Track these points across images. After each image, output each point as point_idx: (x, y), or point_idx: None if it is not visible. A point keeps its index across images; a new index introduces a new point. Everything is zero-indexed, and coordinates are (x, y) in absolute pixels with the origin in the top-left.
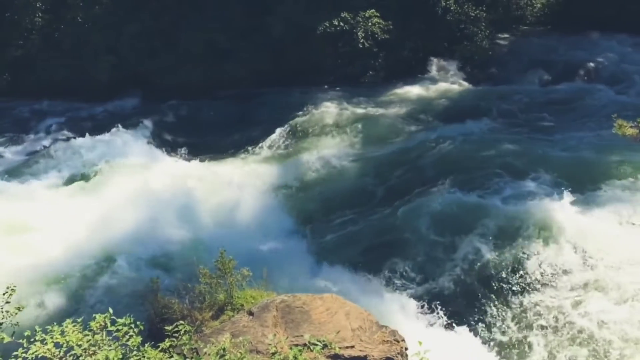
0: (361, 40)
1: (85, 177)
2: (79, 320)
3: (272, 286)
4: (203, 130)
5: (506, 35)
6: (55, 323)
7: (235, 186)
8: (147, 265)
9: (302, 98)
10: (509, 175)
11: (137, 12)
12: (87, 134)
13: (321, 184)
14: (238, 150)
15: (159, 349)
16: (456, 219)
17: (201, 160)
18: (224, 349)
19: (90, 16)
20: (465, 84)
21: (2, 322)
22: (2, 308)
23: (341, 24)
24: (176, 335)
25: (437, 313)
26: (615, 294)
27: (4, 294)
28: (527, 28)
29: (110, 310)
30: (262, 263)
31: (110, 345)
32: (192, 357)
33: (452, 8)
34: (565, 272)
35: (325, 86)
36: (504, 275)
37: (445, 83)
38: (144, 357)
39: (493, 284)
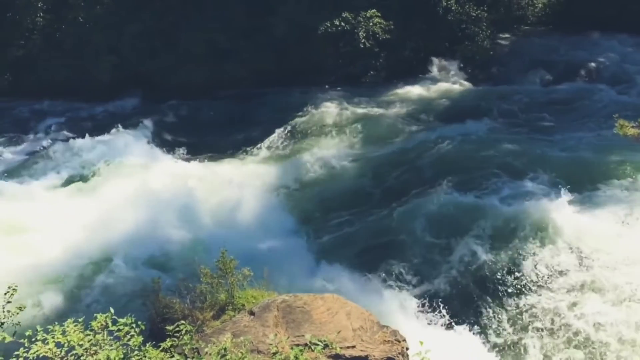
0: (362, 40)
1: (84, 178)
2: (80, 320)
3: (273, 286)
4: (203, 130)
5: (507, 35)
6: (56, 323)
7: (235, 186)
8: (147, 266)
9: (303, 98)
10: (508, 175)
11: (138, 12)
12: (87, 134)
13: (321, 184)
14: (238, 150)
15: (160, 348)
16: (453, 219)
17: (201, 160)
18: (225, 349)
19: (91, 16)
20: (466, 84)
21: (4, 322)
22: (3, 308)
23: (342, 24)
24: (177, 335)
25: (437, 313)
26: (611, 295)
27: (5, 294)
28: (529, 28)
29: (112, 310)
30: (262, 263)
31: (111, 345)
32: (193, 357)
33: (453, 8)
34: (561, 273)
35: (326, 86)
36: (499, 276)
37: (446, 83)
38: (145, 356)
39: (489, 286)
